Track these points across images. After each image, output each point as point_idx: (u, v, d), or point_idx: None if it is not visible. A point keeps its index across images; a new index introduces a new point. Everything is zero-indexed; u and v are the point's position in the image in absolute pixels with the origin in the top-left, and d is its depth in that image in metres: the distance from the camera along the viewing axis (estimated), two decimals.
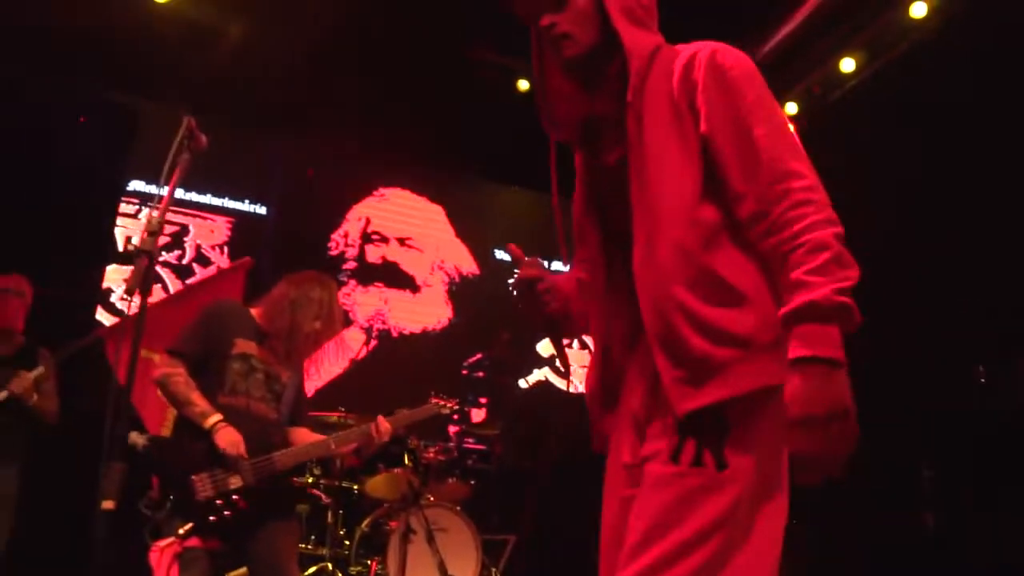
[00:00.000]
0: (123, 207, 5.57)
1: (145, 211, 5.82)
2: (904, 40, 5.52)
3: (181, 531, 2.70)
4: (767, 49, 5.78)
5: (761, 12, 5.52)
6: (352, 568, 4.62)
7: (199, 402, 2.81)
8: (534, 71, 1.72)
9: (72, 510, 3.87)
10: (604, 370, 1.66)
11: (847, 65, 5.86)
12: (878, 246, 5.47)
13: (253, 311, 3.09)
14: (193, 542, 2.70)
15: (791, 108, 6.33)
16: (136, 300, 1.71)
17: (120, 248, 5.40)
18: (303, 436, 3.12)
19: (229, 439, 2.78)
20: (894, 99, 5.60)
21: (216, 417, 2.79)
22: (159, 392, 2.86)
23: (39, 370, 3.69)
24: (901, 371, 5.19)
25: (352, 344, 6.20)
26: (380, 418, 3.29)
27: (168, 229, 5.91)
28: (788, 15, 5.52)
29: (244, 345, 2.97)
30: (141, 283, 1.71)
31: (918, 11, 5.32)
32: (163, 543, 2.67)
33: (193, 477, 2.75)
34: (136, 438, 2.75)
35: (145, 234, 1.79)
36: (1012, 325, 4.31)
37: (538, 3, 1.59)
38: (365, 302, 6.37)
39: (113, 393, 1.66)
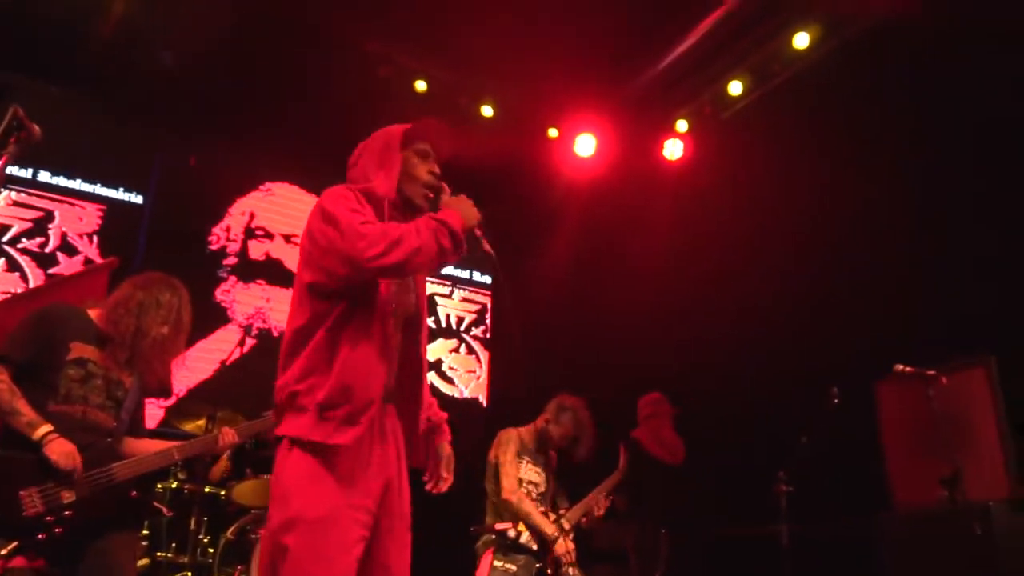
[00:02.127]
0: None
1: (3, 193, 5.42)
2: (788, 68, 5.75)
3: (4, 551, 2.50)
4: (661, 68, 5.91)
5: (655, 34, 5.63)
6: None
7: (26, 411, 2.60)
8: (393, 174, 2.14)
9: None
10: None
11: (735, 88, 6.06)
12: (762, 262, 5.73)
13: (92, 313, 2.89)
14: (17, 562, 2.51)
15: (682, 126, 6.50)
16: None
17: None
18: (144, 446, 2.94)
19: (61, 450, 2.59)
20: (780, 121, 5.82)
21: (45, 428, 2.59)
22: None
23: None
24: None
25: (226, 342, 5.96)
26: (224, 428, 3.18)
27: (30, 215, 5.53)
28: (680, 38, 5.65)
29: (81, 349, 2.78)
30: None
31: (801, 42, 5.55)
32: None
33: (21, 492, 2.55)
34: None
35: None
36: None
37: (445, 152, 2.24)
38: (245, 299, 6.14)
39: None
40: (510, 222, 6.95)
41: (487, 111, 6.40)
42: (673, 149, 6.52)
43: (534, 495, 4.04)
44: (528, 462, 4.09)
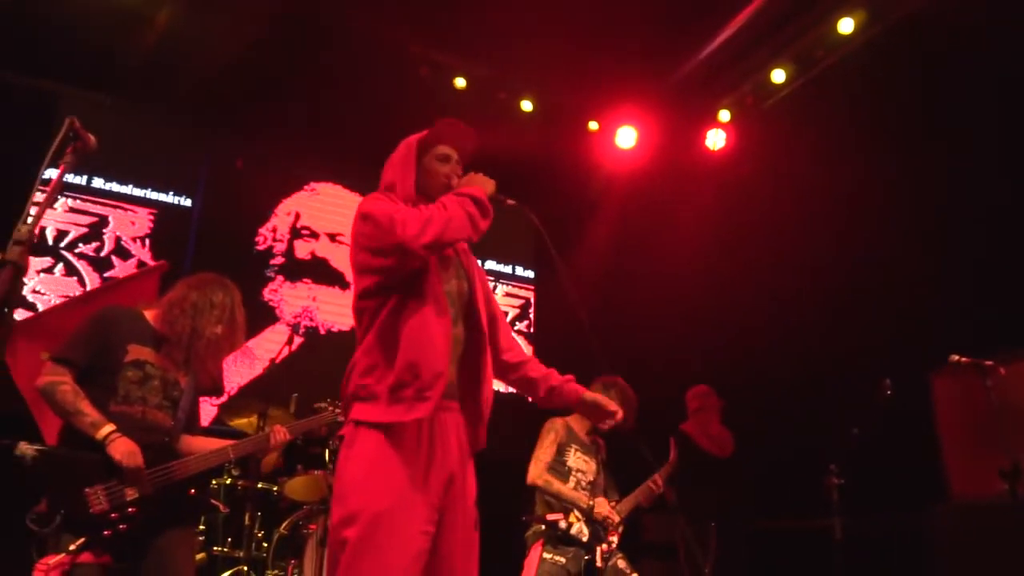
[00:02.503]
0: (39, 196, 5.33)
1: (60, 200, 5.59)
2: (832, 54, 5.64)
3: (72, 547, 2.58)
4: (701, 59, 5.84)
5: (695, 23, 5.57)
6: (269, 571, 4.54)
7: (89, 412, 2.68)
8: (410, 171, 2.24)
9: None
10: None
11: (778, 76, 5.97)
12: (809, 251, 5.64)
13: (148, 314, 2.96)
14: (85, 558, 2.59)
15: (724, 116, 6.42)
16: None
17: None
18: (200, 444, 3.01)
19: (124, 449, 2.66)
20: (824, 109, 5.72)
21: (108, 427, 2.67)
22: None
23: None
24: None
25: (274, 342, 6.07)
26: (276, 427, 3.22)
27: (85, 220, 5.70)
28: (721, 26, 5.58)
29: (138, 351, 2.84)
30: (4, 297, 1.61)
31: (845, 27, 5.44)
32: (51, 560, 2.55)
33: (87, 490, 2.63)
34: (25, 449, 2.59)
35: (12, 243, 1.68)
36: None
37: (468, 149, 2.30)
38: (292, 298, 6.24)
39: None
40: (550, 216, 6.95)
41: (527, 106, 6.40)
42: (715, 139, 6.45)
43: (583, 484, 4.03)
44: (577, 450, 4.07)
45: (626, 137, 6.57)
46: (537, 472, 3.93)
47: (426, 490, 1.95)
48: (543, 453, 3.99)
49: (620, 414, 2.39)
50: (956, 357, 3.82)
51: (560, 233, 7.48)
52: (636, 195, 6.79)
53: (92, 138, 2.05)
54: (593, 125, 6.65)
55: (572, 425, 4.13)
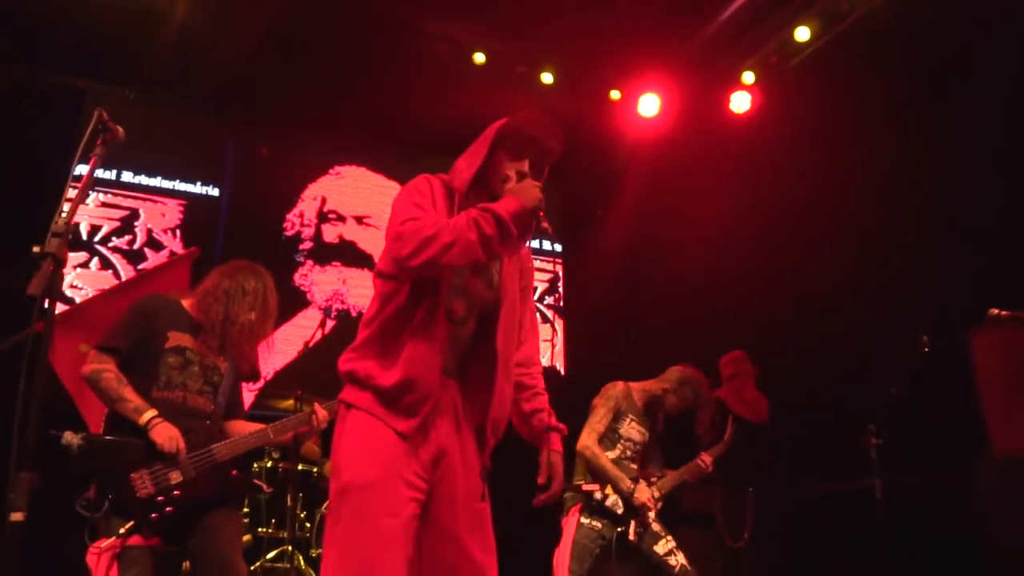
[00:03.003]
0: (71, 192, 5.42)
1: (92, 196, 5.68)
2: (859, 7, 5.51)
3: (122, 530, 2.66)
4: (722, 20, 5.74)
5: None
6: (313, 551, 4.63)
7: (132, 398, 2.75)
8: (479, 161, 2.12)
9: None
10: None
11: (802, 34, 5.85)
12: (839, 210, 5.56)
13: (185, 303, 3.02)
14: (134, 540, 2.67)
15: (749, 78, 6.32)
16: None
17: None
18: (240, 428, 3.07)
19: (166, 434, 2.73)
20: (851, 65, 5.59)
21: (151, 413, 2.74)
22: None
23: None
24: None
25: (306, 327, 6.14)
26: (316, 405, 3.26)
27: (117, 214, 5.79)
28: None
29: (178, 338, 2.91)
30: (46, 288, 1.65)
31: None
32: (103, 544, 2.63)
33: (132, 475, 2.71)
34: (71, 438, 2.67)
35: (51, 235, 1.72)
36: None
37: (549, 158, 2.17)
38: (323, 282, 6.30)
39: (21, 401, 1.60)
40: (575, 189, 6.92)
41: (547, 78, 6.35)
42: (740, 102, 6.35)
43: (630, 452, 4.03)
44: (632, 420, 4.04)
45: (649, 105, 6.49)
46: (588, 442, 3.90)
47: (414, 461, 1.96)
48: (597, 423, 3.96)
49: (555, 492, 2.18)
50: (995, 311, 3.74)
51: (586, 205, 7.47)
52: (661, 163, 6.73)
53: (120, 130, 2.08)
54: (615, 94, 6.59)
55: (633, 394, 4.10)
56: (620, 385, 4.09)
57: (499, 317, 2.13)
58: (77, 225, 5.47)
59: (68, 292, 5.45)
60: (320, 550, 4.62)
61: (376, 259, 2.22)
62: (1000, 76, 4.67)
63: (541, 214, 2.00)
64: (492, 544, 2.07)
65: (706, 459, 4.13)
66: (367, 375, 2.00)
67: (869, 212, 5.34)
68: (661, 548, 3.86)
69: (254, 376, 3.23)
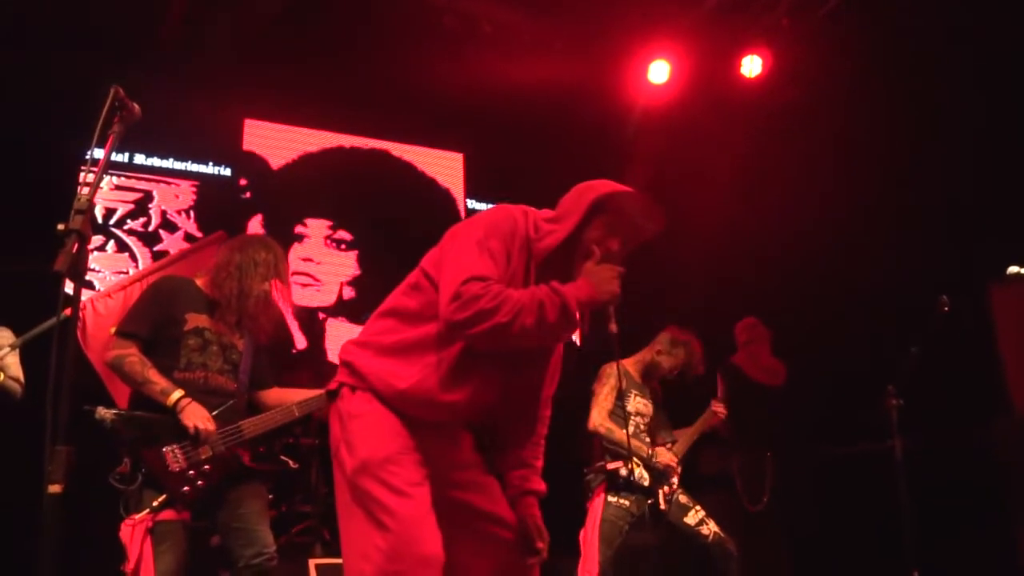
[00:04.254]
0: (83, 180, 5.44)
1: (106, 179, 5.70)
2: None
3: (155, 503, 2.71)
4: None
5: None
6: None
7: (158, 380, 2.79)
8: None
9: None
10: None
11: None
12: (855, 170, 5.50)
13: (199, 282, 3.05)
14: (166, 515, 2.72)
15: (760, 40, 6.22)
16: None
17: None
18: (279, 396, 3.12)
19: (197, 416, 2.77)
20: (866, 23, 5.50)
21: (178, 393, 2.78)
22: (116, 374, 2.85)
23: (4, 350, 3.64)
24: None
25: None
26: None
27: (131, 196, 5.81)
28: None
29: (196, 319, 2.95)
30: (72, 265, 1.66)
31: None
32: (137, 517, 2.68)
33: (164, 449, 2.76)
34: (104, 413, 2.72)
35: (74, 212, 1.73)
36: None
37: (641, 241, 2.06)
38: (334, 259, 6.32)
39: (55, 374, 1.63)
40: (586, 159, 6.88)
41: (555, 47, 6.28)
42: (751, 66, 6.27)
43: (642, 426, 4.05)
44: (636, 395, 4.09)
45: (659, 72, 6.42)
46: (599, 419, 3.93)
47: (419, 445, 1.93)
48: (604, 400, 3.99)
49: (541, 557, 2.11)
50: (1014, 269, 3.73)
51: (597, 174, 7.39)
52: (672, 129, 6.67)
53: (136, 106, 2.08)
54: (624, 62, 6.51)
55: (629, 370, 4.14)
56: (614, 365, 4.11)
57: (537, 361, 2.09)
58: (93, 207, 5.50)
59: (87, 276, 5.49)
60: None
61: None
62: None
63: (611, 310, 1.92)
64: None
65: (718, 406, 4.14)
66: (376, 376, 1.94)
67: (885, 171, 5.29)
68: (692, 519, 3.90)
69: (286, 344, 3.26)
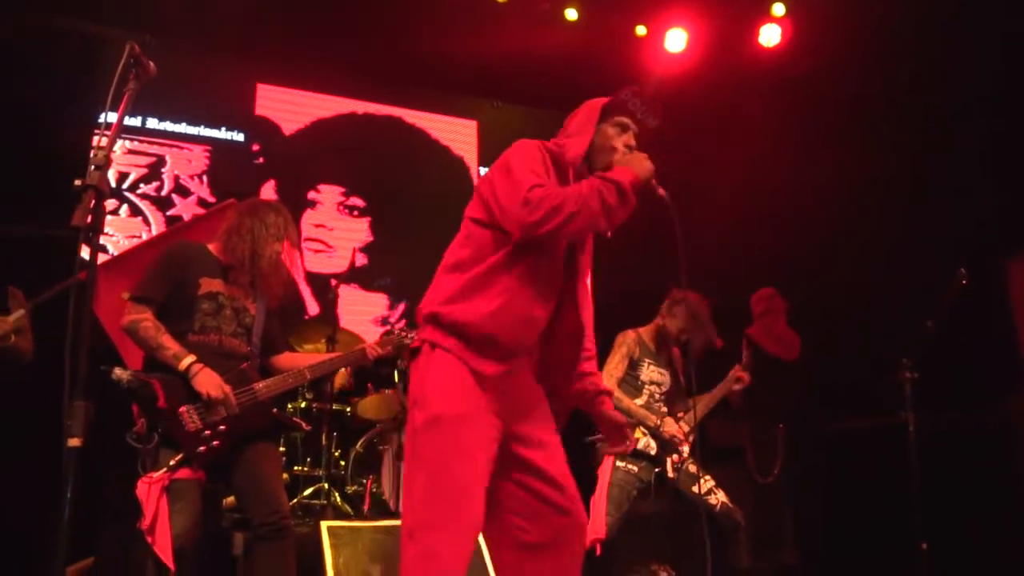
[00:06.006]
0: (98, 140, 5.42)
1: (119, 143, 5.69)
2: None
3: (172, 462, 2.74)
4: None
5: None
6: (348, 487, 4.74)
7: (171, 345, 2.82)
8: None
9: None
10: None
11: None
12: (873, 141, 5.44)
13: (211, 247, 3.07)
14: (182, 474, 2.75)
15: (779, 9, 6.13)
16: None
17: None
18: (291, 360, 3.16)
19: (210, 383, 2.80)
20: None
21: (190, 358, 2.81)
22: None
23: (19, 313, 3.65)
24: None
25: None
26: (369, 344, 3.36)
27: (144, 161, 5.80)
28: None
29: (209, 283, 2.97)
30: (91, 220, 1.66)
31: None
32: (155, 475, 2.71)
33: (180, 409, 2.78)
34: (121, 373, 2.75)
35: (92, 168, 1.72)
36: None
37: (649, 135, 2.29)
38: (347, 225, 6.31)
39: (71, 332, 1.63)
40: None
41: (571, 15, 6.20)
42: (770, 35, 6.18)
43: (657, 396, 4.04)
44: (650, 363, 4.07)
45: (676, 40, 6.34)
46: (608, 386, 3.92)
47: (493, 405, 2.04)
48: (614, 368, 3.98)
49: (629, 448, 2.45)
50: None
51: None
52: (689, 99, 6.59)
53: (152, 64, 2.06)
54: (641, 30, 6.43)
55: (644, 338, 4.11)
56: (631, 333, 4.10)
57: (576, 286, 2.24)
58: (110, 163, 5.50)
59: (100, 240, 5.50)
60: (355, 487, 4.73)
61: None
62: None
63: (654, 182, 2.13)
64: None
65: (742, 373, 4.14)
66: (458, 321, 2.03)
67: (905, 143, 5.21)
68: (701, 489, 3.90)
69: (298, 309, 3.29)
